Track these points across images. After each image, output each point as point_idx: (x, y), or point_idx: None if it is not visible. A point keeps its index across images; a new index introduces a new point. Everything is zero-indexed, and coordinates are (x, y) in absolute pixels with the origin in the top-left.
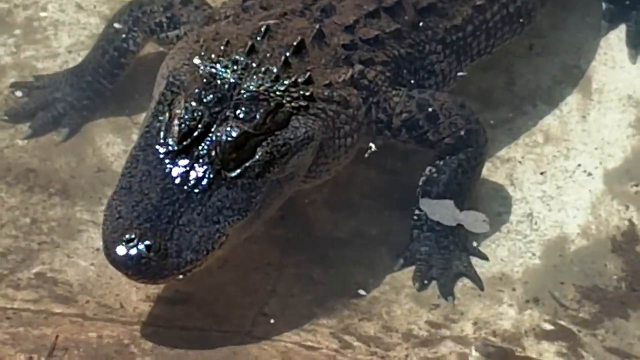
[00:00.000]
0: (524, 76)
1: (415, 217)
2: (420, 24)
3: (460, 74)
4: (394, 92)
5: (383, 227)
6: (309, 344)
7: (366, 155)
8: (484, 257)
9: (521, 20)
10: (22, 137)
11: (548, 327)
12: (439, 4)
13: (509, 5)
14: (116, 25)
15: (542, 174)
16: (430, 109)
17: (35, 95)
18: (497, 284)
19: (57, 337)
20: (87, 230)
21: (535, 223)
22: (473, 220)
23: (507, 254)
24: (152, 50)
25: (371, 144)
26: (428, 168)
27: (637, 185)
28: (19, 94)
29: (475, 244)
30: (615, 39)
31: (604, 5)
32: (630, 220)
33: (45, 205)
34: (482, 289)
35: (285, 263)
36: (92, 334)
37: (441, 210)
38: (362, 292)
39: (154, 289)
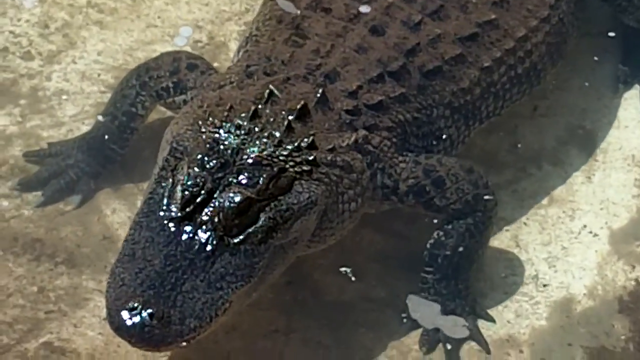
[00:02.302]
0: (528, 138)
1: (423, 281)
2: (427, 87)
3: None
4: (400, 157)
5: (390, 291)
6: None
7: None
8: (491, 320)
9: (531, 81)
10: (35, 205)
11: None
12: (445, 66)
13: (517, 66)
14: (124, 90)
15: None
16: (437, 175)
17: (48, 163)
18: (504, 346)
19: None
20: (94, 299)
21: (542, 285)
22: (452, 325)
23: (513, 316)
24: (157, 117)
25: (345, 269)
26: (436, 232)
27: None
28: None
29: (481, 306)
30: (619, 99)
31: (619, 67)
32: (636, 280)
33: (52, 274)
34: (488, 352)
35: (292, 328)
36: None
37: (424, 310)
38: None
39: (162, 357)
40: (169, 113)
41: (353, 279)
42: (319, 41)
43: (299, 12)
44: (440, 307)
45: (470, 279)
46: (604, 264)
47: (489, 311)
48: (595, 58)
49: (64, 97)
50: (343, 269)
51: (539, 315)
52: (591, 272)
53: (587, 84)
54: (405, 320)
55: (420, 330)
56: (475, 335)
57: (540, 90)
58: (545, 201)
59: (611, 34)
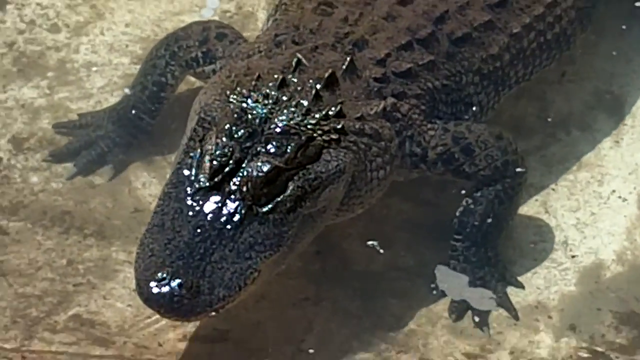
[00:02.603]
0: (557, 103)
1: (452, 248)
2: (456, 54)
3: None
4: (429, 125)
5: (419, 259)
6: None
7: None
8: (520, 286)
9: (560, 46)
10: (67, 177)
11: (585, 354)
12: (474, 33)
13: (546, 32)
14: (154, 60)
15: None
16: (466, 142)
17: (79, 134)
18: (533, 312)
19: None
20: (123, 271)
21: (570, 250)
22: (479, 297)
23: (542, 282)
24: (185, 88)
25: (373, 242)
26: (465, 199)
27: None
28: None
29: (511, 273)
30: None
31: None
32: None
33: (81, 247)
34: (517, 318)
35: (321, 297)
36: None
37: (452, 281)
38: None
39: (191, 327)
40: (197, 83)
41: (381, 251)
42: (347, 9)
43: None
44: (468, 278)
45: (499, 246)
46: (633, 229)
47: (518, 278)
48: (623, 26)
49: (93, 68)
50: (370, 242)
51: (568, 281)
52: (620, 237)
53: (614, 49)
54: (434, 290)
55: (449, 298)
56: (504, 302)
57: (568, 55)
58: (574, 166)
59: (638, 3)
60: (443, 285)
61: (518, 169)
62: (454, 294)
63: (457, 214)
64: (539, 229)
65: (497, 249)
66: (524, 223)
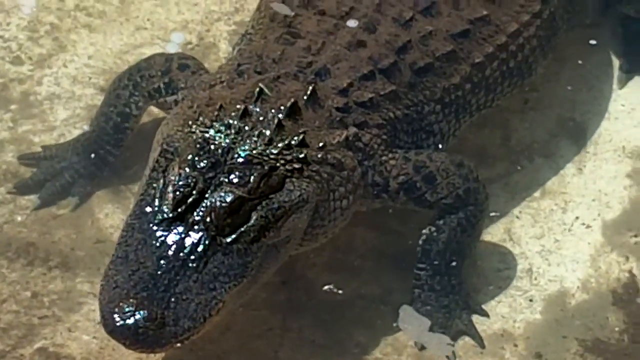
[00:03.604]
0: (520, 131)
1: (416, 277)
2: (417, 84)
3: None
4: (390, 155)
5: (384, 288)
6: None
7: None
8: (485, 314)
9: (522, 73)
10: (32, 209)
11: None
12: (437, 63)
13: (509, 61)
14: (117, 91)
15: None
16: (427, 170)
17: (43, 166)
18: (498, 340)
19: None
20: (88, 303)
21: (535, 278)
22: (437, 342)
23: (507, 310)
24: (148, 118)
25: (329, 286)
26: (428, 227)
27: (636, 236)
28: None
29: (475, 301)
30: (609, 90)
31: (620, 58)
32: (630, 272)
33: (46, 279)
34: (482, 346)
35: (287, 328)
36: None
37: (413, 323)
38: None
39: (156, 358)
40: (160, 114)
41: (340, 292)
42: (310, 39)
43: (293, 13)
44: (430, 322)
45: (463, 274)
46: (597, 256)
47: (483, 306)
48: (585, 50)
49: (56, 101)
50: (327, 286)
51: (533, 309)
52: (584, 264)
53: (577, 76)
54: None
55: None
56: (470, 330)
57: (531, 83)
58: (537, 194)
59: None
60: (404, 325)
61: (480, 197)
62: (414, 335)
63: (420, 242)
64: (503, 257)
65: (461, 276)
66: (488, 251)
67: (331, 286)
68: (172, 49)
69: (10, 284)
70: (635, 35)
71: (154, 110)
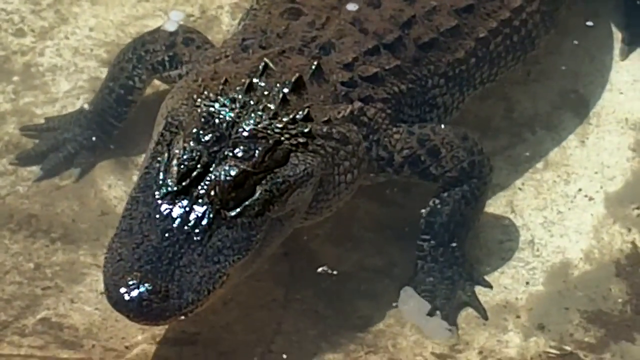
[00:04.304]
0: (522, 103)
1: (420, 249)
2: (422, 59)
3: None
4: (394, 129)
5: (387, 260)
6: None
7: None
8: (488, 286)
9: (525, 48)
10: (33, 180)
11: (554, 352)
12: (441, 38)
13: (512, 35)
14: (121, 64)
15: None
16: (431, 144)
17: (46, 137)
18: (501, 312)
19: None
20: (91, 274)
21: (538, 250)
22: (435, 326)
23: (510, 281)
24: (152, 91)
25: (323, 268)
26: (432, 199)
27: (638, 208)
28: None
29: (478, 272)
30: (612, 62)
31: (622, 30)
32: (633, 243)
33: (48, 251)
34: (485, 318)
35: (290, 299)
36: None
37: (412, 305)
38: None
39: (160, 330)
40: (163, 87)
41: (334, 272)
42: (314, 14)
43: None
44: (429, 306)
45: (467, 246)
46: (600, 227)
47: (485, 277)
48: (588, 23)
49: (58, 72)
50: (321, 268)
51: (536, 280)
52: (587, 236)
53: (579, 48)
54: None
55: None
56: (473, 302)
57: (533, 55)
58: (540, 166)
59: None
60: (403, 306)
61: (484, 169)
62: (411, 318)
63: (424, 214)
64: (506, 229)
65: (464, 248)
66: (491, 223)
67: (325, 267)
68: (171, 27)
69: (13, 256)
70: (637, 8)
71: (158, 83)
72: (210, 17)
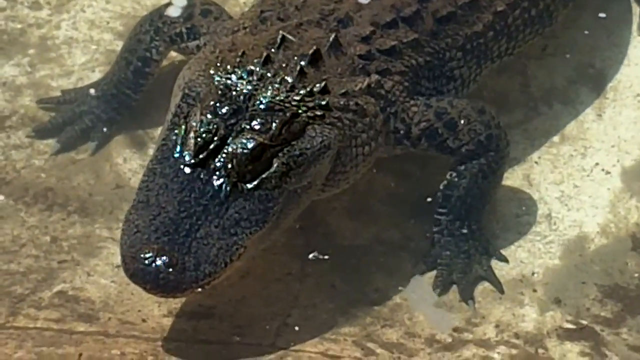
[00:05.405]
0: (539, 77)
1: (436, 222)
2: (440, 32)
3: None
4: (411, 101)
5: (403, 233)
6: (332, 353)
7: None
8: (504, 260)
9: (543, 21)
10: (50, 153)
11: (570, 327)
12: (459, 11)
13: (530, 9)
14: (138, 35)
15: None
16: (449, 117)
17: (62, 110)
18: (517, 286)
19: (80, 355)
20: (107, 247)
21: (554, 223)
22: (439, 318)
23: (526, 255)
24: (168, 63)
25: (315, 254)
26: (449, 173)
27: None
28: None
29: (495, 246)
30: (629, 36)
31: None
32: None
33: (65, 224)
34: (502, 292)
35: (306, 272)
36: (115, 351)
37: (420, 295)
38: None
39: (176, 303)
40: (178, 58)
41: (326, 257)
42: None
43: None
44: (436, 297)
45: (483, 219)
46: (617, 201)
47: (502, 251)
48: None
49: (74, 45)
50: (312, 255)
51: (553, 254)
52: (604, 210)
53: (597, 22)
54: (423, 266)
55: (434, 272)
56: (489, 276)
57: (550, 29)
58: (556, 140)
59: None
60: (411, 295)
61: (501, 143)
62: (416, 307)
63: (441, 187)
64: (522, 202)
65: (481, 222)
66: (508, 196)
67: (316, 253)
68: (174, 13)
69: (29, 229)
70: None
71: (174, 54)
72: None
